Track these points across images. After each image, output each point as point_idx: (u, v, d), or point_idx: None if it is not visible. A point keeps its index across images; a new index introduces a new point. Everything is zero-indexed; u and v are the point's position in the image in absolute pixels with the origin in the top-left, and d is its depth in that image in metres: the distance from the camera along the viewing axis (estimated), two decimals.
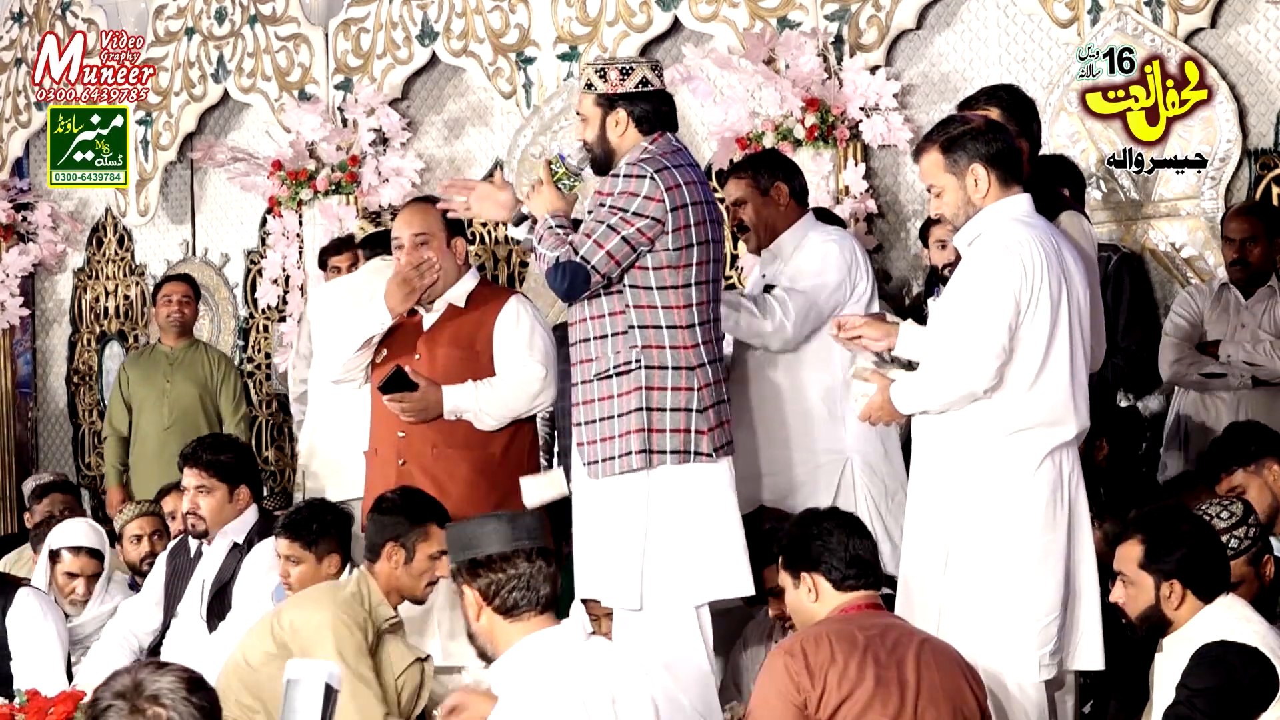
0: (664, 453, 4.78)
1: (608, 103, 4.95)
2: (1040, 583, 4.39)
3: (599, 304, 4.83)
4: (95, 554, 6.39)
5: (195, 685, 2.90)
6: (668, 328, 4.83)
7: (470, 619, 3.88)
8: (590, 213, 4.90)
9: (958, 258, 4.59)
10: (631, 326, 4.80)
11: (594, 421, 4.82)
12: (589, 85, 4.98)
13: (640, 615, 4.78)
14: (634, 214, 4.77)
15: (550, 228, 4.86)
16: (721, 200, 5.82)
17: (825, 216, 6.15)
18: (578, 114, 5.04)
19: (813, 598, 4.24)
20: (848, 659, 4.00)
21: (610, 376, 4.80)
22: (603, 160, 4.97)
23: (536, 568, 3.83)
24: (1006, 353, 4.36)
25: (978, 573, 4.40)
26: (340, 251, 7.66)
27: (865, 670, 4.00)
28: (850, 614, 4.18)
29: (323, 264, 7.70)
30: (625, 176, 4.83)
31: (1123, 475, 5.87)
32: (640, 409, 4.77)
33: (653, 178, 4.79)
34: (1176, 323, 6.43)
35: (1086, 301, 4.52)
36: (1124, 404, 6.70)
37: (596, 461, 4.82)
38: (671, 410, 4.78)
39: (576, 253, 4.75)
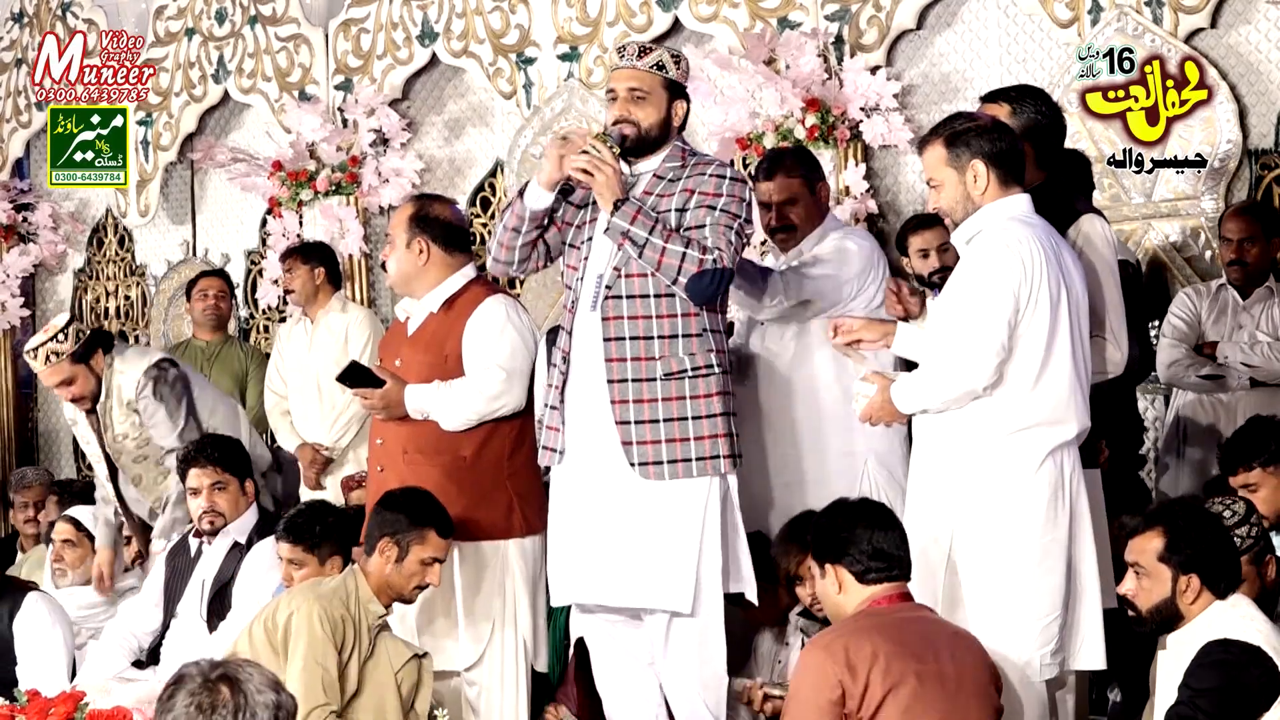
0: (735, 456, 4.79)
1: (677, 91, 4.84)
2: (1041, 582, 4.39)
3: (669, 303, 4.73)
4: (77, 524, 6.64)
5: (278, 686, 3.00)
6: (726, 332, 4.86)
7: None
8: (683, 210, 4.74)
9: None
10: (705, 329, 4.75)
11: (659, 421, 4.72)
12: (660, 66, 4.80)
13: (687, 619, 4.75)
14: (745, 220, 4.75)
15: (657, 219, 4.69)
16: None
17: None
18: (631, 89, 4.80)
19: (837, 589, 4.27)
20: (890, 656, 4.03)
21: (685, 377, 4.72)
22: (650, 143, 4.81)
23: None
24: (1006, 350, 4.36)
25: (979, 572, 4.40)
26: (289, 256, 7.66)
27: (907, 665, 4.03)
28: (880, 607, 4.20)
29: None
30: (732, 180, 4.77)
31: (1118, 477, 5.85)
32: (725, 413, 4.75)
33: (747, 183, 4.80)
34: (1174, 324, 6.42)
35: (1085, 302, 4.52)
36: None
37: (664, 462, 4.72)
38: (732, 414, 4.80)
39: (724, 260, 4.64)
